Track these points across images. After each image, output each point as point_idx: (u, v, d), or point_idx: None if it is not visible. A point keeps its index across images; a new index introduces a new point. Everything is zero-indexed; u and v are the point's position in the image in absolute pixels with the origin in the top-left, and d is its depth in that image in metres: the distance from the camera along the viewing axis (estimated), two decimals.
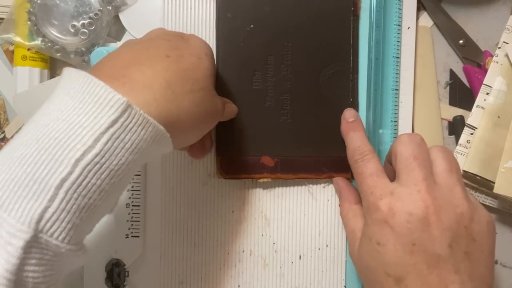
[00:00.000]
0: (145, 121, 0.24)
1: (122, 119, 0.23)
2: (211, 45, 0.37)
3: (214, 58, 0.32)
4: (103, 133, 0.22)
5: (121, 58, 0.27)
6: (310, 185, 0.38)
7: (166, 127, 0.25)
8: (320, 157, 0.37)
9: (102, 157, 0.22)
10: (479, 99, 0.38)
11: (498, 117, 0.38)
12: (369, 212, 0.29)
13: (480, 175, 0.37)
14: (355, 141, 0.34)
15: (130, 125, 0.23)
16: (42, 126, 0.23)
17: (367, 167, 0.31)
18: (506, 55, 0.38)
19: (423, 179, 0.29)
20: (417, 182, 0.28)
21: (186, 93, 0.27)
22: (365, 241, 0.30)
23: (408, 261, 0.27)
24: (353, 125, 0.35)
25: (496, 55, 0.39)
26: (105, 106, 0.23)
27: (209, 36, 0.38)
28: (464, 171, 0.37)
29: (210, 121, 0.31)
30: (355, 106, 0.37)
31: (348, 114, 0.36)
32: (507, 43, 0.38)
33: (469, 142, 0.38)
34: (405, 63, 0.38)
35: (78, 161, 0.22)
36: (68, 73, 0.25)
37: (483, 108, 0.38)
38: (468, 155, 0.38)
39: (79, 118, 0.22)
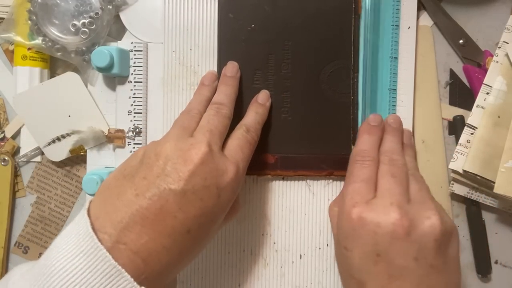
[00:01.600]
0: None
1: None
2: (214, 44, 0.38)
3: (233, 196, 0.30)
4: None
5: (134, 231, 0.26)
6: (309, 181, 0.38)
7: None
8: (320, 155, 0.37)
9: None
10: (479, 99, 0.38)
11: (498, 116, 0.38)
12: (341, 216, 0.30)
13: (480, 174, 0.37)
14: (365, 144, 0.34)
15: None
16: None
17: (362, 172, 0.32)
18: (506, 55, 0.38)
19: (399, 194, 0.29)
20: (392, 196, 0.29)
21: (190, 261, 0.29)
22: (336, 243, 0.31)
23: (371, 270, 0.28)
24: (372, 129, 0.35)
25: (496, 54, 0.39)
26: None
27: (210, 35, 0.38)
28: (464, 170, 0.37)
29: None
30: (355, 104, 0.38)
31: (372, 118, 0.35)
32: (507, 43, 0.38)
33: (469, 142, 0.38)
34: (405, 63, 0.38)
35: None
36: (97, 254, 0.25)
37: (483, 107, 0.38)
38: (468, 155, 0.38)
39: None
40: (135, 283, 0.24)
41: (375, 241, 0.28)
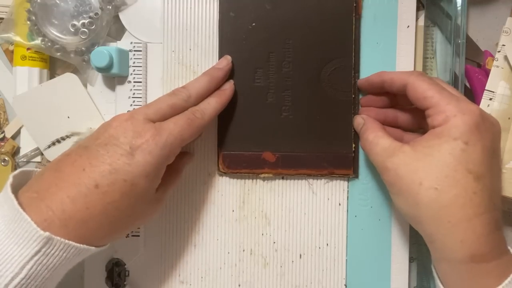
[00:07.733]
0: (65, 246, 0.27)
1: (44, 249, 0.26)
2: (213, 44, 0.38)
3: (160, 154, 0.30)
4: (28, 261, 0.26)
5: (46, 181, 0.28)
6: (311, 180, 0.38)
7: (90, 240, 0.28)
8: (321, 153, 0.38)
9: (28, 279, 0.26)
10: (482, 105, 0.38)
11: (506, 121, 0.37)
12: (460, 113, 0.30)
13: None
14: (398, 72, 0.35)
15: (52, 252, 0.26)
16: None
17: (435, 82, 0.32)
18: (505, 57, 0.38)
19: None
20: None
21: (109, 224, 0.29)
22: (442, 140, 0.30)
23: (490, 162, 0.30)
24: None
25: (496, 59, 0.38)
26: (29, 239, 0.26)
27: (209, 35, 0.38)
28: None
29: (145, 218, 0.32)
30: (356, 102, 0.38)
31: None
32: (504, 45, 0.38)
33: None
34: (405, 63, 0.38)
35: (6, 285, 0.25)
36: (5, 198, 0.27)
37: None
38: None
39: (9, 248, 0.26)
40: (35, 225, 0.26)
41: (493, 137, 0.30)
